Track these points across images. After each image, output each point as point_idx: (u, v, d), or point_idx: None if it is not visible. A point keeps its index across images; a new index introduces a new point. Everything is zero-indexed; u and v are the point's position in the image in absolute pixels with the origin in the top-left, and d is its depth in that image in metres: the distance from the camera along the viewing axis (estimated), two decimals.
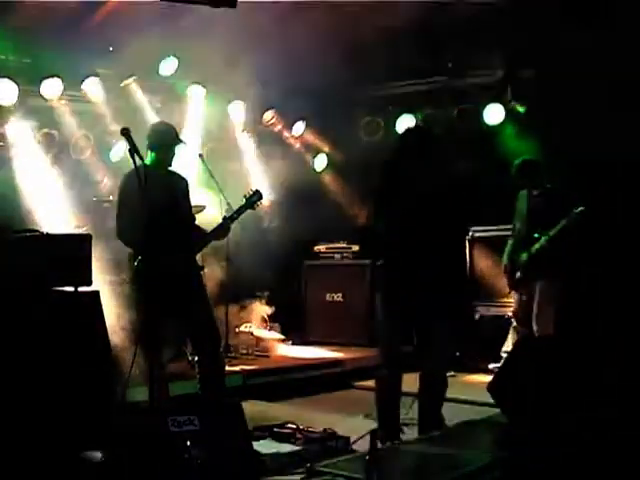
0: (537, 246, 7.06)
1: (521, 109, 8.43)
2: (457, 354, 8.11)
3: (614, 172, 7.42)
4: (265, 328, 8.51)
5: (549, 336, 6.83)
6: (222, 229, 5.46)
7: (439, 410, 5.17)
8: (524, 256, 7.17)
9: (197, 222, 5.58)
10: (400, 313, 5.14)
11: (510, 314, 7.57)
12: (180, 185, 5.45)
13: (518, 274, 7.27)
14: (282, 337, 8.54)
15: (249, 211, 5.62)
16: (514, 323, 7.43)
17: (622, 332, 6.29)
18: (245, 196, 5.58)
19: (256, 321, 8.47)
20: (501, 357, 7.24)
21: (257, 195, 5.59)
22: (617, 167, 7.43)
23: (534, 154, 7.63)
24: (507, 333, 7.61)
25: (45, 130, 7.76)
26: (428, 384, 5.19)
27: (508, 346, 7.41)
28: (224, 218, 5.48)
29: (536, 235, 7.09)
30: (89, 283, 5.15)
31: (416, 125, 5.32)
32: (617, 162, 7.41)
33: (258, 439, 4.81)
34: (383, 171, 5.21)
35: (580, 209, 6.79)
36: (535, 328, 7.16)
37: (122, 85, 8.10)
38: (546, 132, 7.80)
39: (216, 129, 9.02)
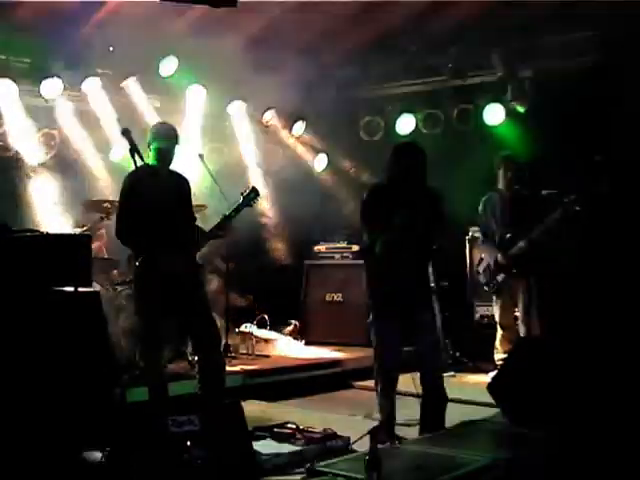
0: (521, 245, 7.08)
1: (521, 109, 8.43)
2: (457, 354, 8.12)
3: (612, 171, 7.44)
4: (265, 328, 8.52)
5: (538, 337, 6.85)
6: (221, 228, 5.46)
7: (441, 410, 5.18)
8: (501, 258, 7.22)
9: (197, 222, 5.58)
10: (396, 315, 5.18)
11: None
12: (181, 185, 5.44)
13: (500, 277, 7.28)
14: (282, 337, 8.53)
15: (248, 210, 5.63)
16: (500, 331, 7.42)
17: (611, 329, 6.29)
18: (242, 194, 5.57)
19: (255, 320, 8.48)
20: (496, 365, 7.25)
21: (254, 192, 5.58)
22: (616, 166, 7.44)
23: (533, 154, 7.67)
24: None
25: (45, 130, 7.76)
26: (429, 385, 5.22)
27: (498, 353, 7.39)
28: (223, 217, 5.48)
29: (508, 235, 7.13)
30: (89, 283, 5.16)
31: (409, 145, 5.33)
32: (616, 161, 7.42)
33: (258, 439, 4.81)
34: (376, 195, 5.23)
35: (573, 197, 6.84)
36: (522, 331, 7.18)
37: (122, 85, 8.09)
38: (546, 132, 7.81)
39: (216, 129, 9.02)
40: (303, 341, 8.75)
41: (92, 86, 7.85)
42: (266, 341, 8.27)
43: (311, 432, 5.01)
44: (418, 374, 5.26)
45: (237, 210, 5.50)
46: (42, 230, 6.22)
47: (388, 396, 5.22)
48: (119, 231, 5.19)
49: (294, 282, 9.37)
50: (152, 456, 3.89)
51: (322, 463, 4.05)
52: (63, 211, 7.45)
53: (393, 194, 5.13)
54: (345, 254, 9.35)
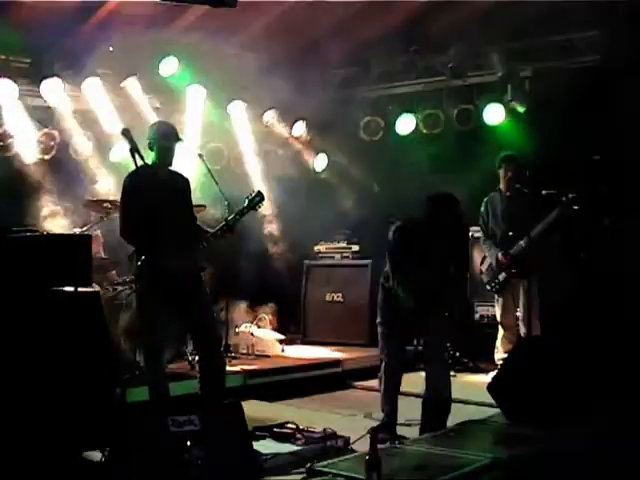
0: (521, 243, 7.11)
1: (521, 109, 8.43)
2: (457, 354, 8.11)
3: (612, 171, 7.45)
4: (265, 328, 8.50)
5: (538, 337, 6.85)
6: (225, 230, 5.45)
7: (443, 413, 5.20)
8: (502, 257, 7.24)
9: (198, 222, 5.58)
10: (402, 318, 5.23)
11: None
12: (181, 185, 5.45)
13: (501, 276, 7.31)
14: (282, 337, 8.51)
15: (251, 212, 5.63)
16: (501, 331, 7.43)
17: (610, 328, 6.30)
18: (247, 197, 5.58)
19: (255, 320, 8.47)
20: (496, 364, 7.26)
21: (259, 196, 5.59)
22: (615, 166, 7.45)
23: (533, 153, 7.67)
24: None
25: (45, 130, 7.76)
26: (432, 386, 5.24)
27: (499, 353, 7.41)
28: (226, 219, 5.47)
29: (510, 233, 7.18)
30: (89, 283, 5.16)
31: (448, 197, 5.41)
32: (615, 161, 7.43)
33: (258, 439, 4.81)
34: (403, 240, 5.29)
35: (571, 196, 6.87)
36: (522, 331, 7.19)
37: (122, 85, 8.09)
38: (545, 132, 7.81)
39: (216, 129, 9.02)
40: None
41: (92, 86, 7.85)
42: (266, 341, 8.24)
43: (311, 432, 5.01)
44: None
45: (242, 213, 5.51)
46: (42, 230, 6.23)
47: (391, 395, 5.26)
48: (123, 231, 5.19)
49: (294, 282, 9.37)
50: (152, 456, 3.89)
51: (322, 463, 4.06)
52: (63, 211, 7.45)
53: (421, 238, 5.23)
54: (345, 254, 9.34)
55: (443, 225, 5.18)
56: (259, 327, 8.38)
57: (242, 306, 8.52)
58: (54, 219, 7.35)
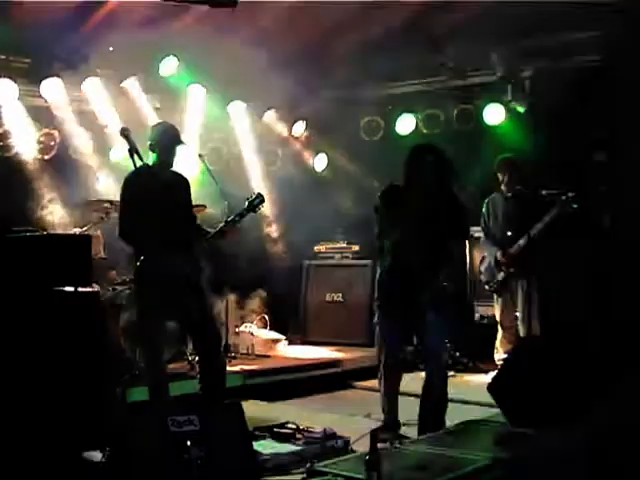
0: (521, 242, 7.13)
1: (521, 109, 8.43)
2: (457, 354, 8.12)
3: (612, 171, 7.45)
4: (265, 328, 8.51)
5: (538, 337, 6.85)
6: (224, 232, 5.45)
7: (440, 411, 5.20)
8: (501, 256, 7.27)
9: (198, 222, 5.58)
10: (400, 314, 5.21)
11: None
12: (181, 185, 5.45)
13: (500, 275, 7.33)
14: (282, 337, 8.52)
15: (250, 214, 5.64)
16: (501, 331, 7.44)
17: (610, 328, 6.30)
18: (248, 199, 5.58)
19: (255, 320, 8.48)
20: (496, 364, 7.27)
21: (259, 198, 5.59)
22: (615, 166, 7.46)
23: (533, 154, 7.68)
24: None
25: (45, 130, 7.76)
26: (430, 385, 5.24)
27: (499, 353, 7.41)
28: (226, 221, 5.47)
29: (509, 233, 7.21)
30: (89, 283, 5.16)
31: (429, 146, 5.31)
32: (615, 161, 7.44)
33: (258, 439, 4.81)
34: (386, 197, 5.23)
35: (570, 195, 6.89)
36: (522, 331, 7.19)
37: (122, 85, 8.10)
38: (546, 132, 7.81)
39: (216, 129, 9.02)
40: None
41: (92, 86, 7.86)
42: (266, 341, 8.25)
43: (311, 432, 5.01)
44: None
45: (241, 215, 5.51)
46: (42, 230, 6.24)
47: (390, 393, 5.26)
48: (122, 231, 5.19)
49: (294, 282, 9.37)
50: (152, 456, 3.89)
51: (322, 463, 4.05)
52: (62, 211, 7.45)
53: (404, 196, 5.13)
54: (345, 254, 9.35)
55: (425, 177, 5.08)
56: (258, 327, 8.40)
57: (242, 306, 8.53)
58: (54, 219, 7.36)
